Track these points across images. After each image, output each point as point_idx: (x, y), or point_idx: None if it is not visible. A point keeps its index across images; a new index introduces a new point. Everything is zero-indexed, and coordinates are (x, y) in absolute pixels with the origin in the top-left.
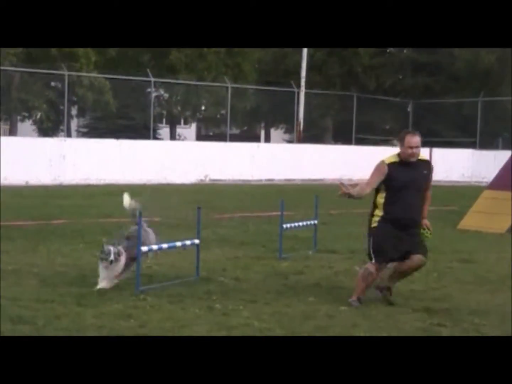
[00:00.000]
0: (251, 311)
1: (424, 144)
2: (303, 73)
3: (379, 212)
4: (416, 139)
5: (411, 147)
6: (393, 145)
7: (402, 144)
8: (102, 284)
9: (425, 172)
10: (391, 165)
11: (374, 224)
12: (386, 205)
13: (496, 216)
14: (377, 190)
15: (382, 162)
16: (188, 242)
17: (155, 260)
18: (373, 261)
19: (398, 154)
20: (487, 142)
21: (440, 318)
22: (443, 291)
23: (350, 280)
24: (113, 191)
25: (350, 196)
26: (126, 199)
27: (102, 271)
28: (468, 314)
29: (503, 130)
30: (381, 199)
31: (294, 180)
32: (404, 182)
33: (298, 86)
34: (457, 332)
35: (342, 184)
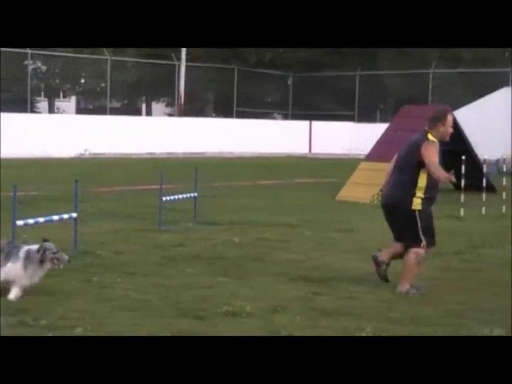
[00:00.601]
0: (130, 283)
1: (304, 117)
2: None
3: (420, 193)
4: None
5: (451, 126)
6: (273, 118)
7: (443, 123)
8: (17, 290)
9: None
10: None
11: (418, 207)
12: (428, 186)
13: (373, 187)
14: (417, 170)
15: (435, 142)
16: (65, 216)
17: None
18: (423, 244)
19: (432, 134)
20: (365, 115)
21: (317, 286)
22: (322, 260)
23: (229, 251)
24: None
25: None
26: None
27: (25, 275)
28: (345, 282)
29: (381, 103)
30: (422, 180)
31: (175, 153)
32: (439, 162)
33: (179, 59)
34: (332, 300)
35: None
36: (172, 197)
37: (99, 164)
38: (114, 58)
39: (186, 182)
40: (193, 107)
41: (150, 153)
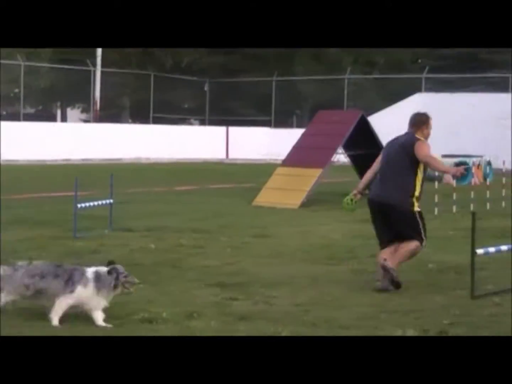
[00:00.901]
0: None
1: (221, 122)
2: (99, 51)
3: (417, 193)
4: None
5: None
6: (190, 124)
7: (426, 126)
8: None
9: None
10: None
11: (417, 208)
12: (421, 185)
13: (289, 192)
14: (415, 170)
15: (426, 141)
16: None
17: None
18: (424, 243)
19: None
20: (282, 120)
21: (233, 292)
22: (238, 265)
23: (145, 257)
24: None
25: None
26: None
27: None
28: (261, 287)
29: (297, 109)
30: (419, 179)
31: (91, 159)
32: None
33: (94, 64)
34: (248, 305)
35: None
36: (87, 204)
37: (12, 170)
38: (27, 63)
39: (102, 188)
40: (109, 113)
41: (66, 160)
